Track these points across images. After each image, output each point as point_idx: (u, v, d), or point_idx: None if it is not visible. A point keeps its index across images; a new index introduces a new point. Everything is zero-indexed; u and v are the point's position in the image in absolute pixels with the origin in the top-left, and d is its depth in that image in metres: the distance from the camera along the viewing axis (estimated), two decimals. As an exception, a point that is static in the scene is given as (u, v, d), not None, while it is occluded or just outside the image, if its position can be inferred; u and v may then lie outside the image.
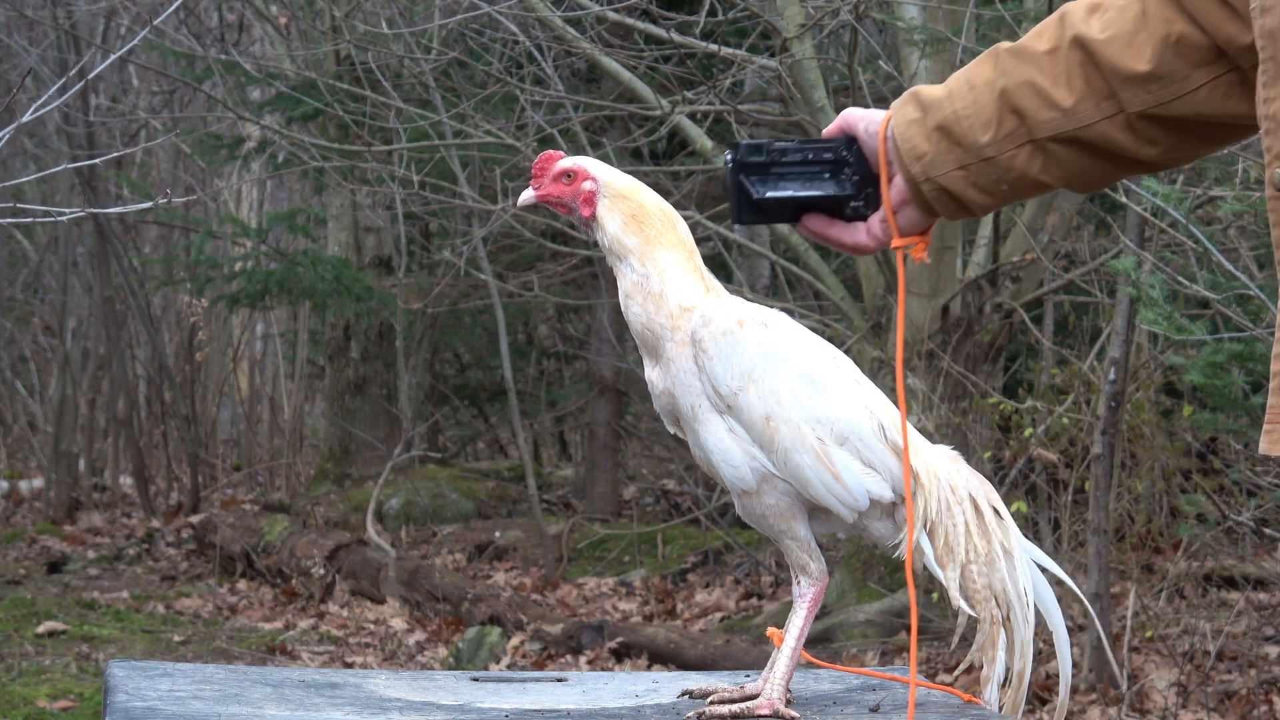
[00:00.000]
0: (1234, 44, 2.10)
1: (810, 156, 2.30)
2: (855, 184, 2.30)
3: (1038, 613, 2.54)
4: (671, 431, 2.59)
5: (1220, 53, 2.12)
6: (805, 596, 2.51)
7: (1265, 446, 1.92)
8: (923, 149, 2.23)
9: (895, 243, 2.28)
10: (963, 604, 2.50)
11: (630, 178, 2.55)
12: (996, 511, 2.54)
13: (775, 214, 2.32)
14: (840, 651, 7.39)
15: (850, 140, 2.31)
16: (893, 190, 2.28)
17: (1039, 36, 2.21)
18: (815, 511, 2.51)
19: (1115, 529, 7.43)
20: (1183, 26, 2.12)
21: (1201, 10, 2.11)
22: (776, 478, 2.46)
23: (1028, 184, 2.22)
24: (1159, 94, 2.14)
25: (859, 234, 2.30)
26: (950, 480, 2.52)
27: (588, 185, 2.52)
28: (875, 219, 2.30)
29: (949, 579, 2.50)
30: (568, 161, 2.54)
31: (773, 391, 2.45)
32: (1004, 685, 2.53)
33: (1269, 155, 1.92)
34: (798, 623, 2.50)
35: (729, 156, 2.34)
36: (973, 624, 2.53)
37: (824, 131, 2.35)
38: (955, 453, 2.58)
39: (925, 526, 2.50)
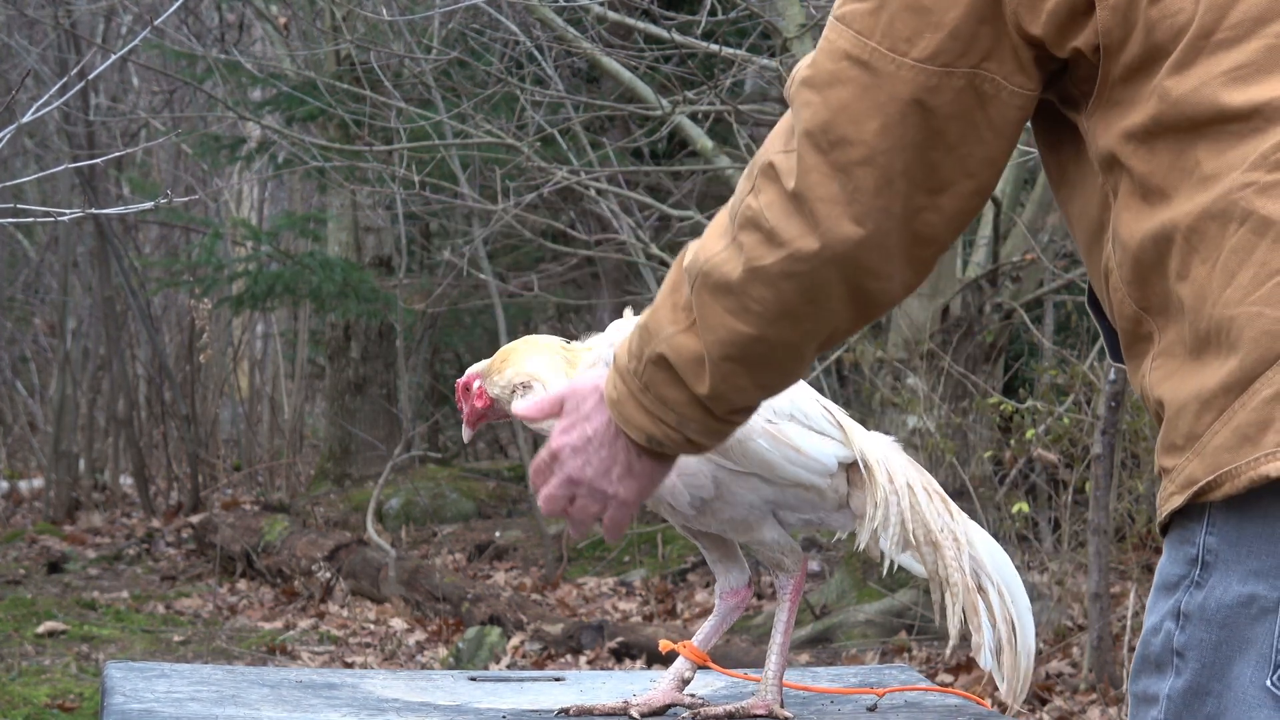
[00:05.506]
0: None
1: None
2: None
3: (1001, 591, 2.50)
4: None
5: None
6: (786, 589, 2.51)
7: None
8: None
9: None
10: (904, 559, 2.48)
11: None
12: (940, 496, 2.51)
13: None
14: (840, 651, 7.39)
15: None
16: None
17: None
18: (779, 509, 2.49)
19: (1115, 529, 7.43)
20: None
21: None
22: (739, 475, 2.44)
23: None
24: None
25: None
26: (888, 466, 2.50)
27: (475, 385, 2.56)
28: None
29: (892, 543, 2.48)
30: (463, 381, 2.62)
31: None
32: (998, 656, 2.49)
33: None
34: (783, 617, 2.50)
35: None
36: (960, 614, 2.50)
37: None
38: (895, 441, 2.55)
39: (877, 509, 2.47)
